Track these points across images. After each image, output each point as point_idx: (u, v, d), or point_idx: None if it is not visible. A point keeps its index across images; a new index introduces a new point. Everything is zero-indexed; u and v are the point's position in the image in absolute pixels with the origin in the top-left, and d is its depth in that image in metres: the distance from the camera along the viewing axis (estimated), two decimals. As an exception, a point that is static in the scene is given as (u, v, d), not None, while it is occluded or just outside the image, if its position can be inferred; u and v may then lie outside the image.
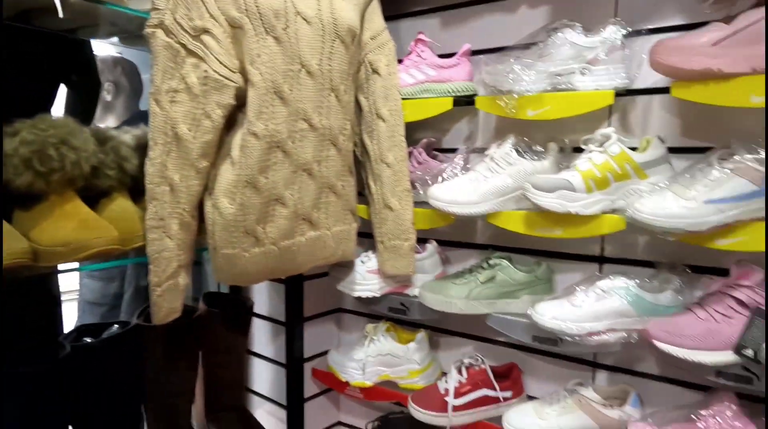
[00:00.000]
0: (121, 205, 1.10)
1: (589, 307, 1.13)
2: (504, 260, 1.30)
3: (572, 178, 1.10)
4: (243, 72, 1.11)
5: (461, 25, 1.45)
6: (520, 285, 1.28)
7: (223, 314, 1.46)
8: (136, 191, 1.13)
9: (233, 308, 1.51)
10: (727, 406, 1.05)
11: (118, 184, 1.12)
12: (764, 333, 0.95)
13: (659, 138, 1.11)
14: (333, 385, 1.62)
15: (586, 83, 1.13)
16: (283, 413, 1.65)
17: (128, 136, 1.17)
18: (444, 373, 1.43)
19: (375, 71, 1.34)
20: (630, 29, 1.11)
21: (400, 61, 1.40)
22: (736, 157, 0.97)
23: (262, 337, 1.73)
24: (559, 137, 1.27)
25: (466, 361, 1.36)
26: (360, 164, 1.41)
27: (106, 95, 1.99)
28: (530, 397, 1.39)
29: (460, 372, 1.35)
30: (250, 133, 1.10)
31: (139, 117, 1.87)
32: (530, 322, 1.19)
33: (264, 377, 1.74)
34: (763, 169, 0.95)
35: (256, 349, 1.75)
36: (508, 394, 1.34)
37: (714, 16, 1.01)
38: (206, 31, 1.07)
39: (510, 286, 1.29)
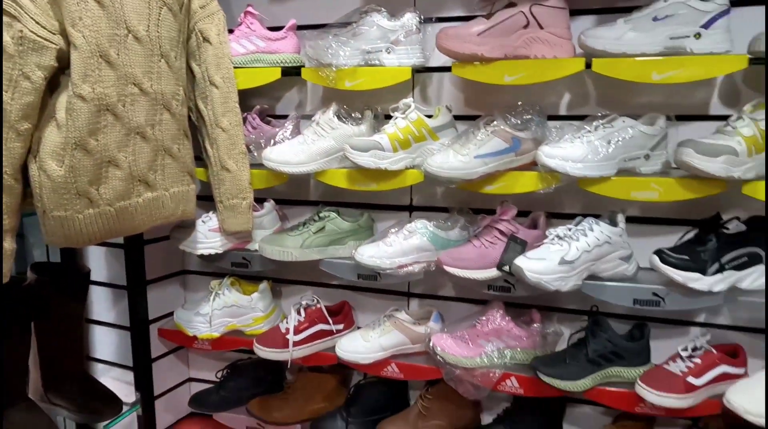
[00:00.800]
0: (-72, 169, 1.05)
1: (398, 246, 1.39)
2: (332, 212, 1.50)
3: (381, 140, 1.33)
4: (64, 34, 1.11)
5: (287, 1, 1.58)
6: (347, 233, 1.50)
7: (56, 283, 1.44)
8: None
9: (67, 276, 1.49)
10: (497, 310, 1.40)
11: None
12: (516, 253, 1.30)
13: (447, 107, 1.40)
14: (181, 342, 1.70)
15: (391, 60, 1.36)
16: (130, 376, 1.69)
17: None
18: (286, 317, 1.61)
19: (206, 40, 1.41)
20: (423, 17, 1.36)
21: (230, 32, 1.48)
22: (495, 123, 1.28)
23: (102, 304, 1.72)
24: (373, 105, 1.49)
25: (304, 302, 1.56)
26: (196, 129, 1.48)
27: None
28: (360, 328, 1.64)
29: (299, 312, 1.54)
30: (77, 96, 1.12)
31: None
32: (355, 262, 1.42)
33: (107, 343, 1.74)
34: (513, 131, 1.28)
35: (95, 316, 1.73)
36: (340, 326, 1.57)
37: (481, 12, 1.30)
38: (18, -11, 1.05)
39: (338, 235, 1.50)
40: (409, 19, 1.33)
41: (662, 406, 1.21)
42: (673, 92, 1.30)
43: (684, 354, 1.25)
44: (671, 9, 1.15)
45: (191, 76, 1.44)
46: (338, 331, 1.57)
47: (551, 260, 1.22)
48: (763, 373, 1.17)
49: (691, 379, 1.21)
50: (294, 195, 1.67)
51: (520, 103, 1.33)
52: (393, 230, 1.42)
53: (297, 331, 1.51)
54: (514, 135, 1.27)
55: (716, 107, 1.30)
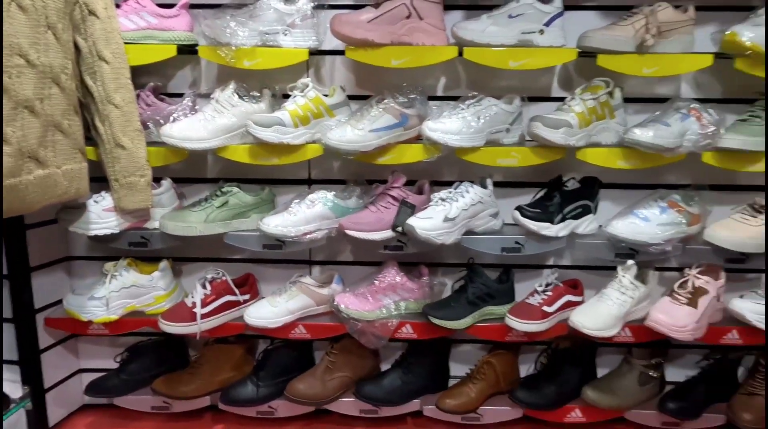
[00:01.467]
0: None
1: (302, 215, 1.50)
2: (235, 187, 1.56)
3: (283, 116, 1.43)
4: (-63, -2, 1.03)
5: (177, -21, 1.58)
6: (249, 206, 1.57)
7: None
8: None
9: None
10: (391, 268, 1.59)
11: None
12: (407, 215, 1.49)
13: (341, 87, 1.53)
14: (73, 329, 1.63)
15: (287, 42, 1.45)
16: (11, 372, 1.57)
17: None
18: (188, 294, 1.63)
19: (92, 13, 1.37)
20: (317, 3, 1.47)
21: (117, 6, 1.45)
22: (386, 101, 1.45)
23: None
24: (271, 85, 1.57)
25: (209, 275, 1.59)
26: (83, 106, 1.43)
27: None
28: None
29: (204, 286, 1.57)
30: (-43, 66, 1.05)
31: None
32: (260, 233, 1.50)
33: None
34: (401, 108, 1.46)
35: (-34, 311, 1.58)
36: (246, 297, 1.64)
37: (369, 1, 1.45)
38: None
39: (241, 208, 1.56)
40: (304, 3, 1.44)
41: (525, 332, 1.50)
42: (524, 77, 1.59)
43: (539, 289, 1.56)
44: (521, 9, 1.42)
45: (76, 51, 1.39)
46: (245, 301, 1.63)
47: (437, 218, 1.43)
48: (595, 298, 1.53)
49: (545, 308, 1.52)
50: (190, 173, 1.69)
51: (405, 84, 1.51)
52: (296, 201, 1.52)
53: (204, 304, 1.55)
54: (402, 112, 1.45)
55: (556, 90, 1.61)
